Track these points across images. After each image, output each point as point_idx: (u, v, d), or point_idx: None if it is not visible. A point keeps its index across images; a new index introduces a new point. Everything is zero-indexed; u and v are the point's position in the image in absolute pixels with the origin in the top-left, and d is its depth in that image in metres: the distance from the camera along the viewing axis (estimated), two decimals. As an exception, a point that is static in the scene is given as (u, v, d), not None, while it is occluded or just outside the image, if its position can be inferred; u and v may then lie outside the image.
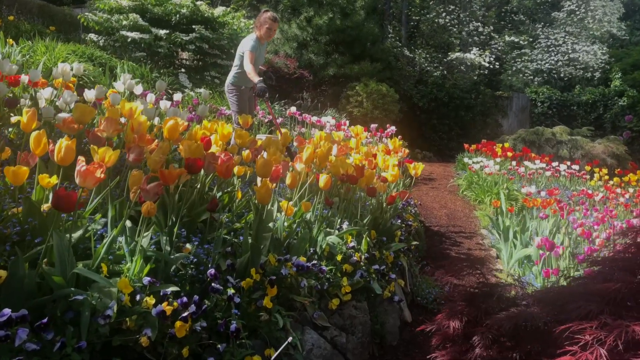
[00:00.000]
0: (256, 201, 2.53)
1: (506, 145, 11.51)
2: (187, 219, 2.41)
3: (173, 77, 8.34)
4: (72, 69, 4.03)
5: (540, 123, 19.85)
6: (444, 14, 13.57)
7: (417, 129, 13.98)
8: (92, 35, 8.77)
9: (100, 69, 7.63)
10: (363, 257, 2.91)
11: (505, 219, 5.08)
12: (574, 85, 20.12)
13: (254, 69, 5.04)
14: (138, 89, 4.81)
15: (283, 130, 4.97)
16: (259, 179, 2.60)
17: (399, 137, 10.03)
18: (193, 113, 6.75)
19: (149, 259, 1.98)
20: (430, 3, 14.20)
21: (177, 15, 8.80)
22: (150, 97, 4.59)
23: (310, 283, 2.53)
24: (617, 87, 19.58)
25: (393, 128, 9.73)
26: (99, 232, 2.12)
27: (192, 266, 2.12)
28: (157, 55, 8.81)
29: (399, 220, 4.03)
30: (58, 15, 11.82)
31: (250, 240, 2.38)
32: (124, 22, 8.52)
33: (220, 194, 2.85)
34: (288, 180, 2.72)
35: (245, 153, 3.75)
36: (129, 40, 8.37)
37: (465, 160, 9.44)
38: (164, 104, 4.68)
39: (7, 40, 7.39)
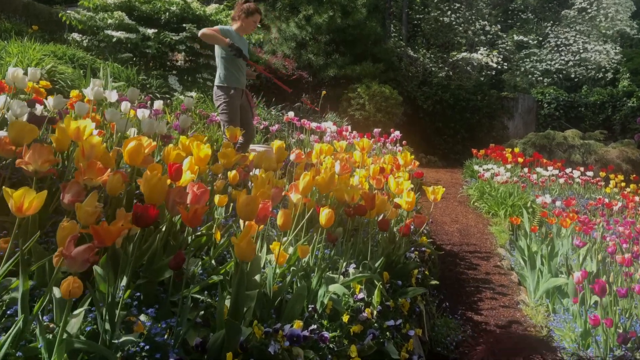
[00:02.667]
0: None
1: (516, 150, 10.94)
2: (144, 280, 1.81)
3: (162, 80, 7.74)
4: (25, 74, 3.43)
5: (547, 125, 19.28)
6: (449, 12, 12.96)
7: (421, 132, 13.38)
8: (75, 35, 8.17)
9: (82, 71, 7.03)
10: (375, 312, 2.32)
11: (531, 243, 4.48)
12: (581, 86, 19.51)
13: (206, 29, 4.33)
14: (113, 95, 4.21)
15: (279, 142, 4.34)
16: (241, 222, 2.01)
17: (404, 142, 9.46)
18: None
19: (77, 353, 1.38)
20: (435, 1, 13.59)
21: (167, 14, 8.19)
22: (126, 105, 4.00)
23: (309, 357, 1.93)
24: (626, 87, 18.96)
25: (397, 133, 9.15)
26: (15, 307, 1.53)
27: (144, 354, 1.53)
28: (145, 56, 8.21)
29: (412, 249, 3.43)
30: (44, 14, 11.21)
31: (228, 308, 1.79)
32: (109, 21, 7.91)
33: (192, 237, 2.25)
34: (280, 220, 2.12)
35: (232, 174, 3.16)
36: (114, 40, 7.77)
37: (476, 167, 8.85)
38: (142, 113, 4.09)
39: (-21, 40, 6.80)
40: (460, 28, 13.17)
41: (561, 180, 9.60)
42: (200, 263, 2.21)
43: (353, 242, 2.73)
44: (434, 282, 3.23)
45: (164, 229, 2.05)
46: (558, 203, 7.65)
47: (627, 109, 17.68)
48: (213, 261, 2.34)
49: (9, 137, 2.24)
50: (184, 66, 8.98)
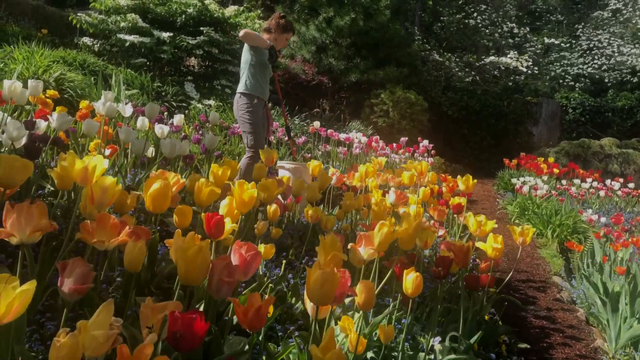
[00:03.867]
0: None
1: (550, 160, 10.30)
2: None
3: (178, 87, 7.22)
4: (25, 86, 2.89)
5: (572, 131, 18.53)
6: (475, 14, 12.36)
7: (445, 139, 12.76)
8: (86, 39, 7.68)
9: (93, 78, 6.53)
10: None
11: (611, 283, 3.86)
12: (606, 90, 18.70)
13: (256, 33, 4.09)
14: (128, 110, 3.68)
15: (311, 161, 3.78)
16: (308, 304, 1.45)
17: (433, 152, 8.87)
18: (200, 132, 5.62)
19: None
20: (459, 2, 12.99)
21: (183, 16, 7.68)
22: (143, 121, 3.46)
23: None
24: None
25: (426, 142, 8.57)
26: None
27: None
28: (160, 61, 7.70)
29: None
30: (54, 17, 10.79)
31: None
32: (122, 24, 7.41)
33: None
34: (360, 297, 1.55)
35: (272, 209, 2.61)
36: (127, 44, 7.26)
37: (513, 180, 8.22)
38: (160, 130, 3.56)
39: (-17, 45, 6.33)
40: (487, 31, 12.54)
41: (601, 193, 8.97)
42: (247, 347, 1.65)
43: (431, 307, 2.16)
44: (523, 345, 2.65)
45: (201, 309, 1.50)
46: (603, 219, 7.03)
47: (659, 113, 16.89)
48: (261, 337, 1.79)
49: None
50: (200, 71, 8.47)
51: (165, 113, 6.40)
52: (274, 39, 4.27)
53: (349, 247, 1.93)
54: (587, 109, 18.54)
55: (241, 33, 4.00)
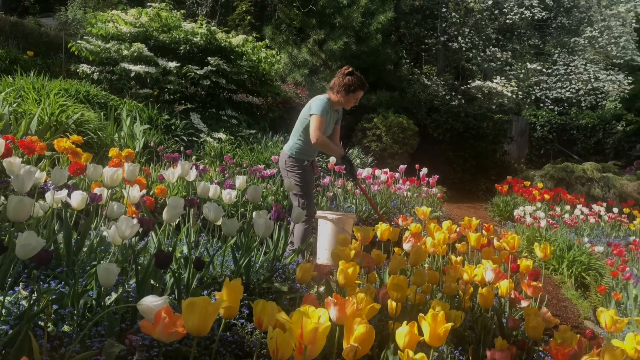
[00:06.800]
0: None
1: (540, 185, 10.59)
2: None
3: (187, 120, 6.95)
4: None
5: (540, 148, 19.26)
6: (459, 38, 12.61)
7: (430, 161, 12.84)
8: (85, 67, 7.28)
9: (102, 112, 6.20)
10: None
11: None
12: (570, 108, 19.50)
13: (322, 136, 3.74)
14: (192, 174, 3.46)
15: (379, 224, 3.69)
16: None
17: (431, 180, 8.90)
18: (226, 175, 5.38)
19: None
20: (443, 26, 13.22)
21: (188, 45, 7.40)
22: (216, 189, 3.24)
23: None
24: (613, 110, 19.05)
25: (425, 170, 8.57)
26: None
27: None
28: (165, 91, 7.39)
29: None
30: (33, 35, 10.25)
31: None
32: (125, 52, 7.07)
33: None
34: None
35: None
36: (132, 74, 6.93)
37: (516, 212, 8.37)
38: (229, 196, 3.36)
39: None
40: (470, 54, 12.82)
41: (591, 219, 9.28)
42: None
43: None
44: None
45: None
46: (599, 248, 7.19)
47: (620, 132, 17.68)
48: None
49: (185, 323, 1.56)
50: (200, 98, 8.14)
51: (193, 158, 6.12)
52: (338, 102, 3.90)
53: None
54: (554, 127, 19.32)
55: (318, 144, 3.78)
